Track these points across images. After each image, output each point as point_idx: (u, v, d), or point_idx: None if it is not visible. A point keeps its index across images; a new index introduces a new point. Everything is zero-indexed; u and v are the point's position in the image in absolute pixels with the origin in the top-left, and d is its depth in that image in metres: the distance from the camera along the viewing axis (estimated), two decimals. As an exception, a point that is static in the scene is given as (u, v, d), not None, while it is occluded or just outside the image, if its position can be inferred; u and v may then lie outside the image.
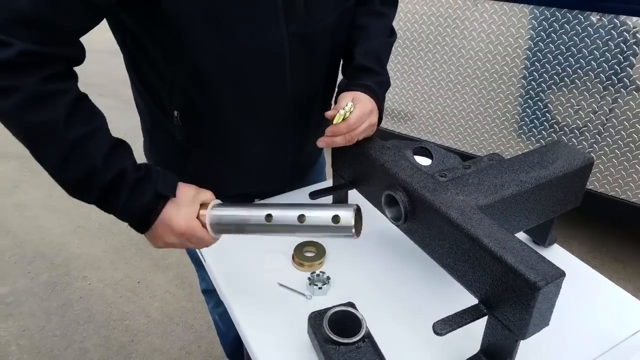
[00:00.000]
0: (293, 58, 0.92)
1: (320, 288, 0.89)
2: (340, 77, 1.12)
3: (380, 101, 0.97)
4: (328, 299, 0.88)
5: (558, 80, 2.18)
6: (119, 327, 2.06)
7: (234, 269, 0.96)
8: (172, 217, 0.80)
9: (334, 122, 0.89)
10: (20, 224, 2.69)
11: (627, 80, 2.00)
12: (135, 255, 2.47)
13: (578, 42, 2.07)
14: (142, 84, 0.99)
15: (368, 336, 0.75)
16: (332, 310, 0.77)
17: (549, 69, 2.19)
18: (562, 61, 2.14)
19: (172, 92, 0.93)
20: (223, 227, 0.82)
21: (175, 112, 0.95)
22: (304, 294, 0.90)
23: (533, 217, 0.88)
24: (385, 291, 0.91)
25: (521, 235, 1.02)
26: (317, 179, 1.28)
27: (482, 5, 2.27)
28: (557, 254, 1.01)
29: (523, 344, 0.70)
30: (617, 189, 2.21)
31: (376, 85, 0.97)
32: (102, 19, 0.81)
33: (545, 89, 2.24)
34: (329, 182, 1.12)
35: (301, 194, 1.15)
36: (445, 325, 0.69)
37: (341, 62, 1.10)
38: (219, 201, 0.84)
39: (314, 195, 1.00)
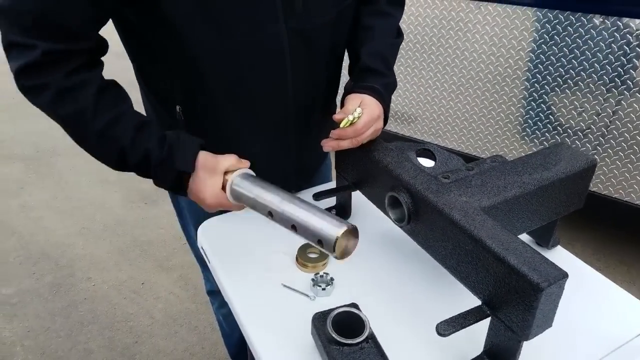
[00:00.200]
0: (293, 55, 0.92)
1: (324, 289, 0.89)
2: (342, 77, 1.12)
3: (386, 104, 0.97)
4: (332, 300, 0.89)
5: (561, 83, 2.18)
6: (123, 328, 2.07)
7: (238, 269, 0.97)
8: (200, 189, 0.86)
9: (341, 125, 0.89)
10: (25, 225, 2.71)
11: (630, 83, 2.00)
12: (139, 256, 2.48)
13: (581, 44, 2.07)
14: (146, 84, 1.00)
15: (371, 337, 0.75)
16: (336, 311, 0.77)
17: (552, 71, 2.19)
18: (565, 63, 2.14)
19: (172, 90, 0.94)
20: (241, 203, 0.86)
21: (178, 108, 0.96)
22: (307, 295, 0.90)
23: (536, 219, 0.88)
24: (389, 292, 0.92)
25: (524, 237, 1.02)
26: (325, 180, 1.27)
27: (485, 8, 2.27)
28: (560, 256, 1.01)
29: (526, 346, 0.70)
30: (620, 191, 2.21)
31: (383, 87, 0.97)
32: (111, 13, 0.83)
33: (549, 91, 2.24)
34: (333, 184, 1.12)
35: (305, 195, 1.15)
36: (449, 326, 0.69)
37: (343, 63, 1.10)
38: (242, 170, 0.87)
39: (317, 196, 1.01)
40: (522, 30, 2.21)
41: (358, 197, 1.02)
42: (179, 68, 0.90)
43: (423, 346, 0.81)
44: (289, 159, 1.09)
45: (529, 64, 2.25)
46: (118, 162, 0.87)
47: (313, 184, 1.22)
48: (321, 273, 0.93)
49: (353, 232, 0.74)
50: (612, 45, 1.99)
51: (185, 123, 0.97)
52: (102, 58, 0.87)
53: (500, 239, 0.70)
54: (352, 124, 0.89)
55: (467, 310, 0.72)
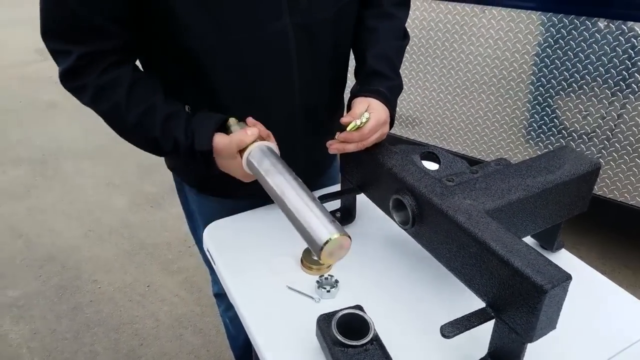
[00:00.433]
0: (299, 52, 0.93)
1: (328, 291, 0.90)
2: (348, 81, 1.12)
3: (392, 107, 0.98)
4: (336, 302, 0.89)
5: (566, 86, 2.18)
6: (129, 331, 2.08)
7: (243, 271, 0.97)
8: (225, 167, 0.91)
9: (348, 129, 0.90)
10: (32, 228, 2.72)
11: (635, 86, 2.00)
12: (145, 259, 2.49)
13: (586, 48, 2.07)
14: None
15: (376, 339, 0.76)
16: (341, 313, 0.78)
17: (557, 74, 2.19)
18: (570, 67, 2.14)
19: (181, 88, 0.95)
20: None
21: (187, 107, 0.97)
22: (312, 297, 0.91)
23: (540, 222, 0.88)
24: (393, 294, 0.92)
25: (529, 240, 1.02)
26: (333, 180, 1.28)
27: (490, 12, 2.28)
28: (564, 259, 1.01)
29: (530, 348, 0.70)
30: (626, 194, 2.20)
31: (388, 90, 0.98)
32: (131, 10, 0.84)
33: (553, 94, 2.24)
34: (338, 187, 1.13)
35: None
36: (453, 328, 0.70)
37: (347, 65, 1.10)
38: (255, 146, 0.87)
39: (322, 199, 1.01)
40: (526, 34, 2.21)
41: (363, 200, 1.02)
42: (185, 67, 0.91)
43: (427, 348, 0.81)
44: (297, 159, 1.09)
45: (533, 67, 2.25)
46: (155, 150, 0.94)
47: (322, 185, 1.22)
48: (326, 275, 0.93)
49: (343, 239, 0.71)
50: (617, 48, 1.99)
51: None
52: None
53: (504, 241, 0.70)
54: (359, 128, 0.90)
55: (472, 312, 0.72)
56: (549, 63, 2.20)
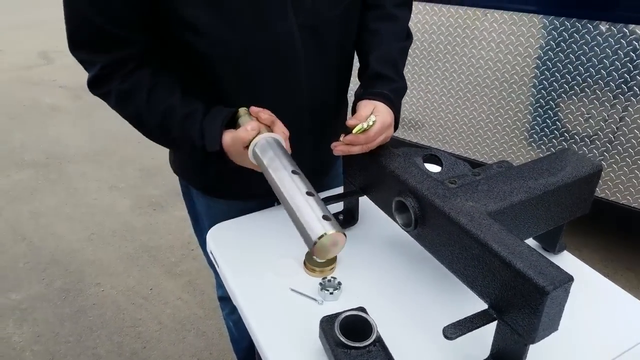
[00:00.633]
0: (306, 52, 0.94)
1: (331, 293, 0.90)
2: (351, 84, 1.13)
3: (396, 109, 0.98)
4: (339, 304, 0.90)
5: (568, 89, 2.19)
6: (132, 334, 2.09)
7: (246, 274, 0.98)
8: (244, 163, 0.92)
9: (354, 132, 0.90)
10: (35, 231, 2.73)
11: (637, 89, 2.00)
12: (148, 262, 2.50)
13: (588, 51, 2.07)
14: None
15: (379, 340, 0.76)
16: (344, 315, 0.78)
17: (559, 77, 2.19)
18: (572, 70, 2.14)
19: (188, 91, 0.95)
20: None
21: None
22: (315, 299, 0.91)
23: (542, 224, 0.88)
24: (396, 296, 0.92)
25: (531, 242, 1.02)
26: (340, 183, 1.28)
27: (492, 15, 2.28)
28: (566, 261, 1.02)
29: (533, 349, 0.70)
30: (628, 197, 2.20)
31: (392, 93, 0.98)
32: (145, 17, 0.86)
33: (556, 97, 2.24)
34: (341, 189, 1.13)
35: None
36: (456, 330, 0.70)
37: (352, 65, 1.11)
38: (259, 139, 0.87)
39: (325, 202, 1.01)
40: (528, 37, 2.22)
41: (365, 202, 1.03)
42: (192, 68, 0.92)
43: (430, 349, 0.81)
44: (303, 158, 1.09)
45: (535, 70, 2.26)
46: (179, 149, 0.99)
47: (327, 184, 1.22)
48: (329, 277, 0.94)
49: (337, 236, 0.71)
50: (619, 51, 2.00)
51: None
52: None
53: (507, 243, 0.70)
54: (365, 131, 0.90)
55: (474, 314, 0.72)
56: (550, 66, 2.20)
